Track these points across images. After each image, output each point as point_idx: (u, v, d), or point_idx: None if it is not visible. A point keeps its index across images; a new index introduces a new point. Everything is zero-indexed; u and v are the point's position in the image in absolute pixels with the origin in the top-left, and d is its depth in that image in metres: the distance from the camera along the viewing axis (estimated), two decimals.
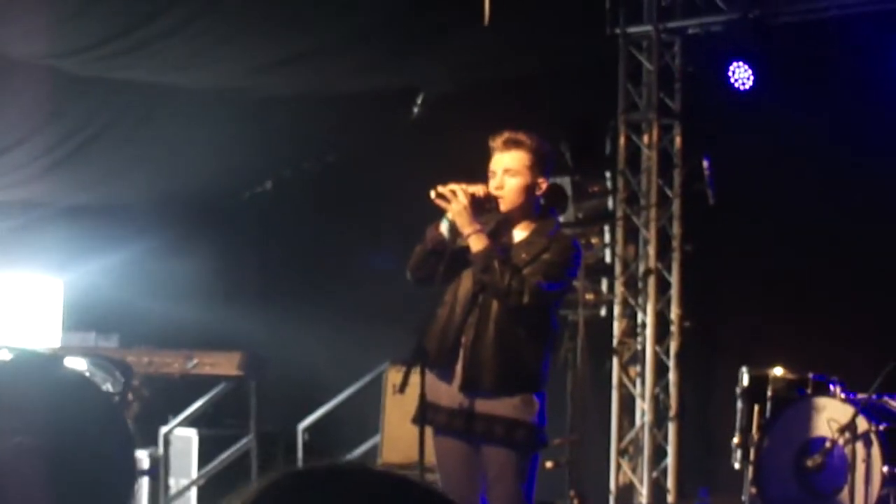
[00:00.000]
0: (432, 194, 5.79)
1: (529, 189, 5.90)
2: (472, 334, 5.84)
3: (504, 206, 5.89)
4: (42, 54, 8.39)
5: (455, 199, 5.74)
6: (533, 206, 5.95)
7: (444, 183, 5.83)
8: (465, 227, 5.78)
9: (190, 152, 10.37)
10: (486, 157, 6.00)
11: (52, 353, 8.03)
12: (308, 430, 10.56)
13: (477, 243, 5.77)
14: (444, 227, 5.82)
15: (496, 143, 5.93)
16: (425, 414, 5.84)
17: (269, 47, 8.80)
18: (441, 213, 5.83)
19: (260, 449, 9.94)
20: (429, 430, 5.97)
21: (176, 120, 9.83)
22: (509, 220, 5.95)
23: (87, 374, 7.86)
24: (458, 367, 5.84)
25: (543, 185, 5.96)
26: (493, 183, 5.89)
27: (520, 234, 5.96)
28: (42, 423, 6.18)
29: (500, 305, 5.79)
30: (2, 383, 6.42)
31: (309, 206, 11.58)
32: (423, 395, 5.78)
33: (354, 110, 10.26)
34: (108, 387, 7.88)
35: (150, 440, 9.99)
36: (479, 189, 5.82)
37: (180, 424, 10.13)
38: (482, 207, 5.85)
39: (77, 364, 8.02)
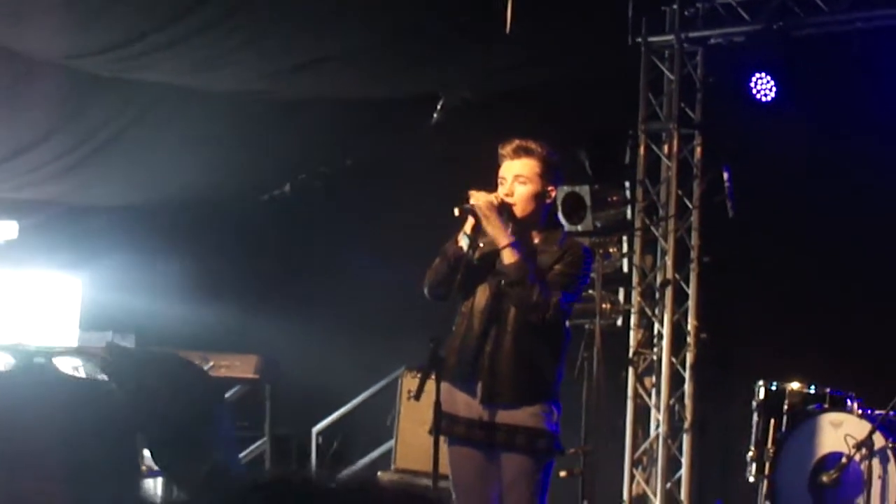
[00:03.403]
0: (456, 211, 5.77)
1: (540, 197, 5.90)
2: (492, 346, 5.84)
3: (517, 213, 5.89)
4: (62, 54, 8.39)
5: (486, 213, 5.73)
6: (542, 214, 5.96)
7: (462, 190, 5.82)
8: (501, 239, 5.76)
9: (209, 154, 10.37)
10: None
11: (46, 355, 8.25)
12: (322, 433, 10.57)
13: (510, 256, 5.76)
14: (464, 242, 5.81)
15: (506, 150, 5.93)
16: (440, 423, 5.83)
17: (291, 52, 8.79)
18: (461, 224, 5.82)
19: (274, 452, 9.94)
20: (442, 438, 5.96)
21: (195, 122, 9.82)
22: (524, 228, 5.93)
23: (81, 367, 8.08)
24: (479, 380, 5.84)
25: (553, 193, 5.97)
26: (502, 189, 5.88)
27: None
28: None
29: (517, 316, 5.79)
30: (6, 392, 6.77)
31: (326, 210, 11.56)
32: (437, 404, 5.77)
33: (374, 115, 10.26)
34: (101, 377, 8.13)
35: None
36: (494, 197, 5.81)
37: None
38: (502, 216, 5.84)
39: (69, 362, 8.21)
